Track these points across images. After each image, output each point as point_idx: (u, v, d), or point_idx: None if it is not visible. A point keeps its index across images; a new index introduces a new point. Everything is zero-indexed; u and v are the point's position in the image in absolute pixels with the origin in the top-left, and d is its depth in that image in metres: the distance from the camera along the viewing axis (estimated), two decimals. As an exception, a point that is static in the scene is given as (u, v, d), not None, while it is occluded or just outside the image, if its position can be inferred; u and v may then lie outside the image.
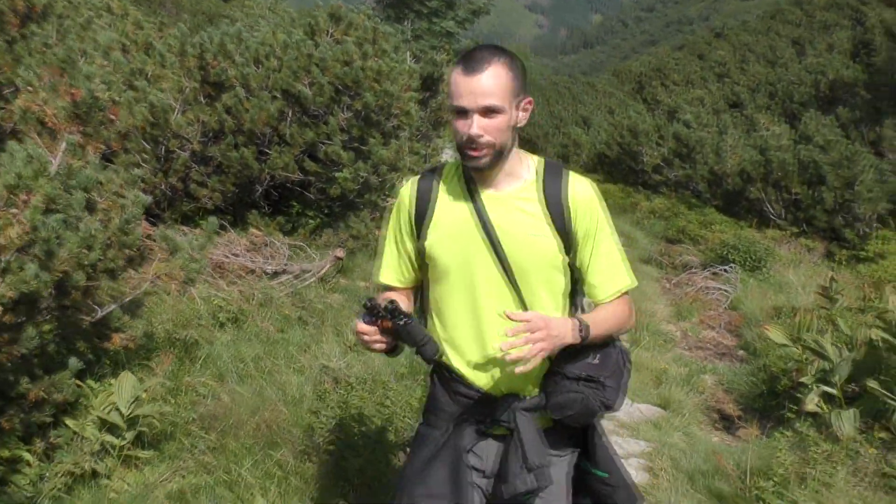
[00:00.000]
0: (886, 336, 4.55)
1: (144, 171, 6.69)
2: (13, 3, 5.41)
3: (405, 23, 19.00)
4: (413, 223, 2.25)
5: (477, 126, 2.02)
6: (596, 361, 2.16)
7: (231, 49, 7.80)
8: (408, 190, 2.28)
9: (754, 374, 5.59)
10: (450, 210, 2.20)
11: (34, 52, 5.41)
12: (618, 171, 17.12)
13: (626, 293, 2.25)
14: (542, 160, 2.24)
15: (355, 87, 7.59)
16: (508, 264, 2.15)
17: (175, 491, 3.33)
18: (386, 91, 7.61)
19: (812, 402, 4.46)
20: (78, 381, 3.67)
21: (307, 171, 7.80)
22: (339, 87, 7.62)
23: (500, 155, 2.09)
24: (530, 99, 2.14)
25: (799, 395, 4.69)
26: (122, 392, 3.60)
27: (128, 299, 4.22)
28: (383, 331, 2.07)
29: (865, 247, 10.21)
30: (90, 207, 4.05)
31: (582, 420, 2.20)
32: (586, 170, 19.03)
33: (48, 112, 4.33)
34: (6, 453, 3.17)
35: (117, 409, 3.58)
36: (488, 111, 2.03)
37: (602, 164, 18.39)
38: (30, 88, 4.42)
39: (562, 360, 2.14)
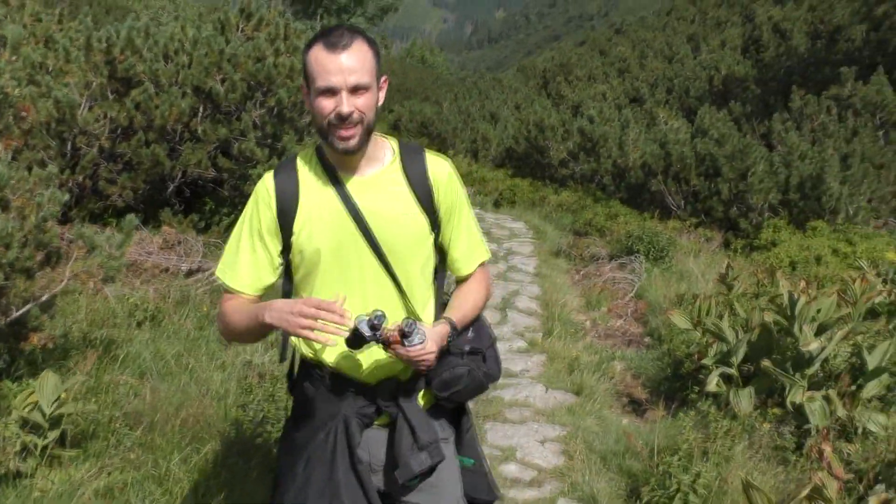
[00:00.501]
0: (778, 318, 4.90)
1: (50, 168, 6.56)
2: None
3: (314, 19, 18.91)
4: (278, 221, 2.12)
5: (347, 104, 1.96)
6: (472, 335, 2.21)
7: (139, 44, 7.68)
8: (266, 187, 2.15)
9: (660, 358, 5.89)
10: (316, 201, 2.11)
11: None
12: (526, 166, 17.48)
13: (483, 264, 2.30)
14: (397, 141, 2.21)
15: (268, 83, 7.60)
16: (381, 248, 2.10)
17: (102, 488, 3.34)
18: (299, 88, 7.63)
19: (712, 383, 4.75)
20: (-3, 382, 3.64)
21: (221, 168, 7.76)
22: (252, 83, 7.61)
23: (369, 134, 2.05)
24: (386, 77, 2.12)
25: (701, 376, 4.99)
26: (44, 391, 3.57)
27: (44, 298, 4.18)
28: (353, 339, 1.95)
29: (759, 235, 10.75)
30: (3, 205, 4.01)
31: (470, 395, 2.20)
32: (495, 164, 19.36)
33: (-44, 110, 4.23)
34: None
35: (39, 409, 3.55)
36: (357, 89, 1.97)
37: (510, 158, 18.73)
38: (-64, 86, 4.31)
39: None
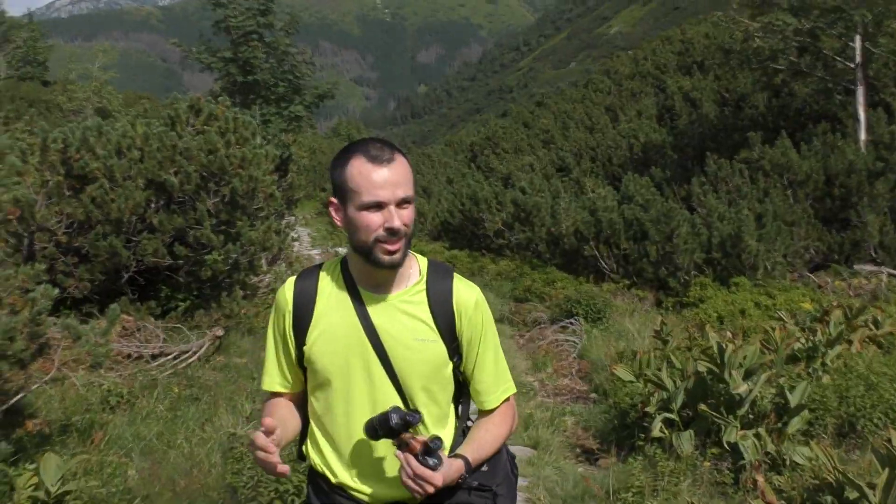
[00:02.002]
0: (710, 366, 5.42)
1: (38, 266, 6.81)
2: None
3: (253, 108, 19.48)
4: (293, 327, 2.10)
5: (398, 217, 1.94)
6: (485, 469, 2.11)
7: (93, 142, 8.01)
8: (286, 293, 2.13)
9: (607, 411, 6.35)
10: (332, 313, 2.07)
11: None
12: (462, 237, 18.10)
13: (509, 398, 2.19)
14: (427, 260, 2.16)
15: (221, 173, 7.99)
16: (395, 372, 2.04)
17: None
18: (251, 176, 8.06)
19: (656, 428, 5.23)
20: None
21: (177, 256, 8.06)
22: (205, 174, 7.99)
23: (408, 247, 2.03)
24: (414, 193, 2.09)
25: (645, 423, 5.46)
26: (47, 472, 3.83)
27: (35, 386, 4.45)
28: (378, 422, 1.92)
29: (687, 293, 11.45)
30: (-2, 303, 4.30)
31: None
32: (432, 237, 19.94)
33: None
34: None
35: (43, 488, 3.81)
36: (403, 202, 1.96)
37: (446, 231, 19.35)
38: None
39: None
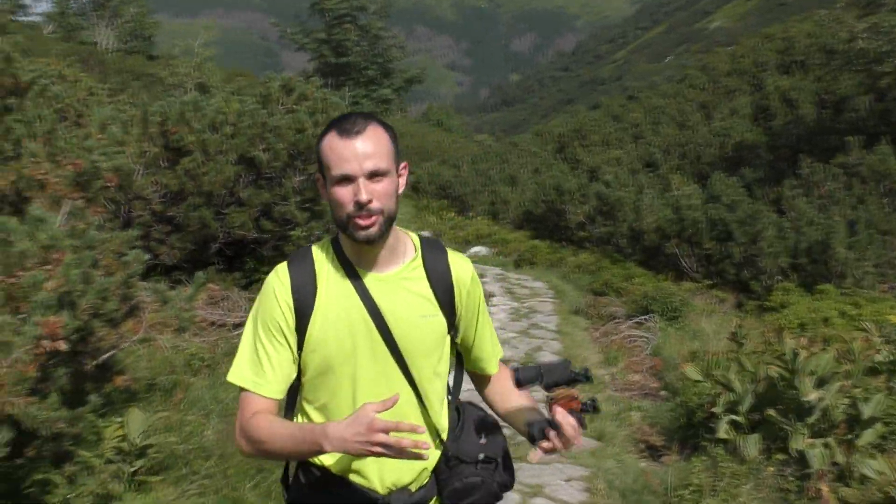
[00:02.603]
0: (782, 372, 5.35)
1: (131, 231, 7.21)
2: (1, 80, 5.90)
3: (343, 89, 19.86)
4: (295, 316, 1.97)
5: (365, 191, 1.87)
6: (484, 441, 2.10)
7: (189, 116, 8.35)
8: (281, 280, 2.01)
9: (674, 409, 6.33)
10: (334, 297, 1.99)
11: (18, 123, 5.90)
12: (544, 228, 18.06)
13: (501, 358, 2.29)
14: (418, 236, 2.13)
15: (308, 152, 8.23)
16: (399, 350, 2.00)
17: (185, 511, 3.83)
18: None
19: (722, 429, 5.19)
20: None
21: (263, 230, 8.36)
22: (293, 152, 8.25)
23: (390, 223, 1.94)
24: (405, 164, 2.05)
25: (712, 424, 5.43)
26: (131, 425, 4.09)
27: (125, 345, 4.72)
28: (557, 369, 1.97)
29: (770, 297, 11.20)
30: (94, 264, 4.57)
31: None
32: (514, 226, 19.95)
33: (51, 180, 4.83)
34: (39, 476, 3.63)
35: (128, 440, 4.06)
36: (374, 175, 1.89)
37: (529, 220, 19.33)
38: (33, 159, 4.92)
39: (452, 442, 2.10)
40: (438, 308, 2.05)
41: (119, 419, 4.37)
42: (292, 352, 1.99)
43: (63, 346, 3.29)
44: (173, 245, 8.16)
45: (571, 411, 1.88)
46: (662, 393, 7.26)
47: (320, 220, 8.35)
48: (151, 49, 40.85)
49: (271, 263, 8.90)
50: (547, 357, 8.43)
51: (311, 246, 2.10)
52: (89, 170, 4.83)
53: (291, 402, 2.07)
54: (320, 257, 2.05)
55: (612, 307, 10.74)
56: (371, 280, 2.00)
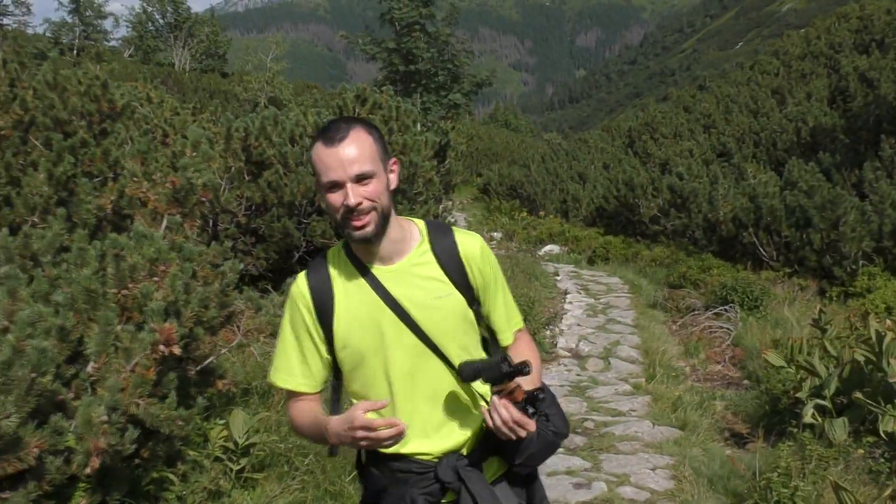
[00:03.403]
0: (868, 355, 5.32)
1: (226, 243, 7.57)
2: (99, 105, 6.29)
3: (414, 96, 20.20)
4: (317, 319, 2.13)
5: (353, 194, 1.99)
6: (542, 396, 2.12)
7: (269, 130, 8.69)
8: (302, 288, 2.17)
9: (758, 396, 6.33)
10: (351, 295, 2.12)
11: (117, 145, 6.28)
12: (616, 224, 18.00)
13: (522, 329, 2.34)
14: (423, 222, 2.22)
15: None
16: (424, 333, 2.11)
17: (290, 503, 4.06)
18: (412, 162, 8.50)
19: (808, 415, 5.20)
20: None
21: (342, 237, 8.63)
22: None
23: (385, 219, 2.05)
24: (395, 160, 2.15)
25: (797, 410, 5.43)
26: (235, 425, 4.35)
27: (224, 350, 5.00)
28: (484, 366, 2.06)
29: (854, 283, 10.98)
30: (193, 275, 4.86)
31: (543, 457, 2.19)
32: (586, 223, 19.94)
33: (151, 197, 5.16)
34: (155, 475, 3.91)
35: (232, 440, 4.33)
36: (361, 178, 2.00)
37: (601, 217, 19.29)
38: (135, 179, 5.26)
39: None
40: (452, 286, 2.14)
41: (222, 421, 4.65)
42: (320, 351, 2.16)
43: (177, 350, 3.55)
44: (258, 255, 8.49)
45: (516, 403, 2.00)
46: (745, 382, 7.25)
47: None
48: (224, 66, 42.07)
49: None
50: (625, 351, 8.48)
51: (325, 253, 2.24)
52: (185, 186, 5.14)
53: (339, 395, 2.22)
54: (334, 261, 2.18)
55: (689, 299, 10.69)
56: (383, 273, 2.11)
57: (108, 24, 40.31)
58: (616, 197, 18.11)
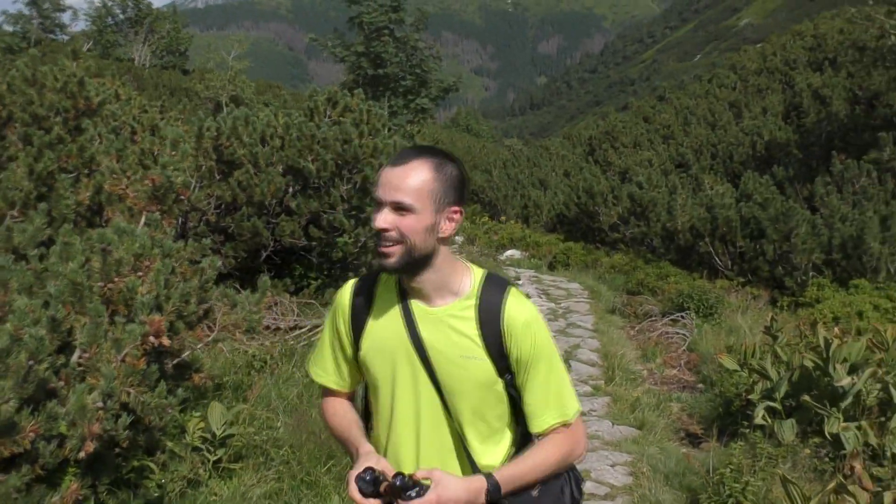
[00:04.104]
0: (816, 360, 5.62)
1: (205, 241, 7.63)
2: (76, 102, 6.35)
3: (381, 100, 20.36)
4: (351, 330, 2.13)
5: (384, 219, 1.93)
6: (535, 494, 2.04)
7: (241, 130, 8.78)
8: (344, 296, 2.17)
9: (712, 399, 6.61)
10: (383, 322, 2.08)
11: (91, 141, 6.35)
12: (577, 230, 18.35)
13: (569, 424, 2.06)
14: (484, 275, 2.10)
15: (354, 162, 8.62)
16: (441, 386, 2.04)
17: (265, 493, 4.20)
18: (380, 164, 8.65)
19: (759, 415, 5.47)
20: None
21: (311, 237, 8.75)
22: (340, 162, 8.63)
23: (412, 258, 1.95)
24: (458, 209, 2.01)
25: (749, 411, 5.71)
26: (213, 417, 4.48)
27: (200, 345, 5.11)
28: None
29: (804, 293, 11.39)
30: (172, 271, 4.98)
31: None
32: (547, 229, 20.26)
33: (130, 194, 5.25)
34: (136, 463, 4.03)
35: (210, 431, 4.45)
36: (398, 207, 1.92)
37: (561, 223, 19.63)
38: (114, 175, 5.35)
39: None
40: (484, 351, 2.02)
41: (198, 414, 4.77)
42: (349, 358, 2.17)
43: (167, 341, 3.67)
44: (227, 254, 8.57)
45: (400, 496, 1.90)
46: (700, 385, 7.53)
47: (365, 226, 8.73)
48: (185, 63, 41.73)
49: (319, 269, 9.31)
50: (585, 354, 8.72)
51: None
52: (164, 184, 5.25)
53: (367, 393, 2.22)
54: (384, 280, 2.13)
55: (647, 306, 11.01)
56: (420, 311, 2.05)
57: (66, 17, 39.67)
58: (577, 204, 18.46)
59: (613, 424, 6.20)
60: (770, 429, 5.38)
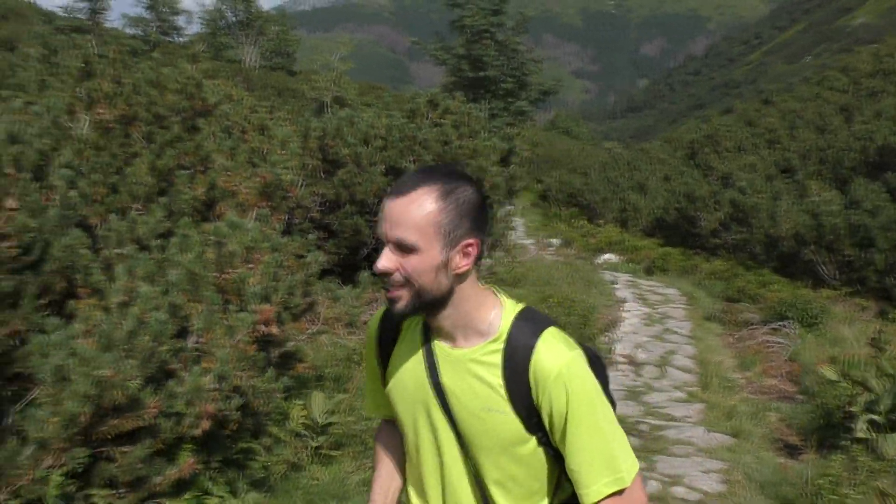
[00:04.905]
0: (924, 374, 5.45)
1: (311, 237, 7.95)
2: (193, 103, 6.71)
3: (481, 102, 20.58)
4: (379, 364, 1.93)
5: (385, 259, 1.65)
6: None
7: (345, 131, 9.07)
8: (373, 324, 1.95)
9: (812, 410, 6.46)
10: (406, 361, 1.84)
11: (206, 140, 6.69)
12: (676, 235, 18.05)
13: (620, 492, 1.69)
14: (518, 311, 1.76)
15: (454, 163, 8.78)
16: (463, 438, 1.77)
17: (363, 480, 4.38)
18: (480, 166, 8.78)
19: (861, 429, 5.34)
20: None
21: (412, 237, 8.96)
22: (439, 163, 8.81)
23: (423, 301, 1.67)
24: (473, 241, 1.68)
25: (850, 424, 5.57)
26: (315, 405, 4.68)
27: (303, 336, 5.35)
28: None
29: (916, 306, 10.94)
30: (280, 264, 5.22)
31: None
32: (645, 233, 19.99)
33: (243, 190, 5.54)
34: (244, 445, 4.26)
35: (312, 419, 4.66)
36: (400, 247, 1.64)
37: (660, 228, 19.34)
38: (228, 172, 5.64)
39: None
40: (508, 404, 1.71)
41: (299, 402, 5.00)
42: (379, 388, 1.96)
43: (275, 330, 3.89)
44: (329, 250, 8.86)
45: None
46: (799, 396, 7.37)
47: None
48: (292, 65, 42.94)
49: (501, 291, 9.50)
50: (680, 360, 8.63)
51: None
52: (274, 182, 5.51)
53: None
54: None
55: (746, 314, 10.78)
56: (443, 353, 1.78)
57: (181, 20, 41.42)
58: (676, 208, 18.16)
59: (708, 431, 6.15)
60: (872, 442, 5.24)
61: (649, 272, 15.63)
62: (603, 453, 1.69)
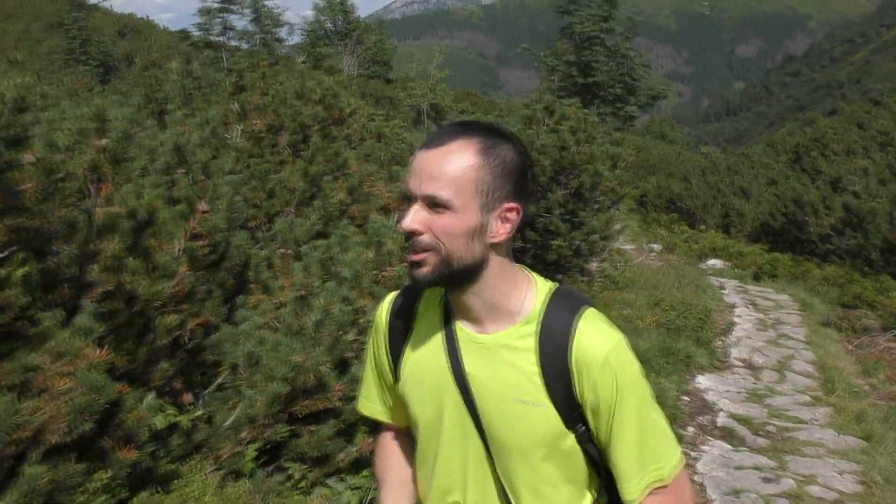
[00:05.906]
0: None
1: None
2: (331, 112, 7.10)
3: (591, 107, 20.72)
4: (389, 357, 1.72)
5: (413, 218, 1.47)
6: None
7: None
8: (381, 314, 1.75)
9: (947, 417, 6.40)
10: (423, 347, 1.64)
11: (343, 147, 7.08)
12: (783, 241, 17.73)
13: (668, 483, 1.54)
14: (551, 290, 1.59)
15: (571, 168, 8.97)
16: (487, 437, 1.57)
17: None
18: (597, 171, 8.96)
19: None
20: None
21: (527, 240, 9.19)
22: (557, 168, 9.02)
23: (451, 270, 1.48)
24: (514, 205, 1.50)
25: None
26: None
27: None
28: None
29: None
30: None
31: None
32: (750, 239, 19.69)
33: (385, 195, 5.87)
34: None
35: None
36: (433, 203, 1.45)
37: (765, 233, 19.02)
38: (371, 177, 5.99)
39: None
40: (546, 395, 1.52)
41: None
42: (390, 385, 1.77)
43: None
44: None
45: None
46: (932, 404, 7.27)
47: (580, 229, 9.04)
48: (389, 73, 43.84)
49: (529, 267, 9.74)
50: (800, 365, 8.59)
51: None
52: (415, 186, 5.83)
53: None
54: (427, 295, 1.68)
55: (865, 320, 10.59)
56: (466, 339, 1.58)
57: (283, 31, 42.81)
58: (783, 213, 17.85)
59: (839, 434, 6.16)
60: None
61: (757, 278, 15.43)
62: (651, 448, 1.54)
